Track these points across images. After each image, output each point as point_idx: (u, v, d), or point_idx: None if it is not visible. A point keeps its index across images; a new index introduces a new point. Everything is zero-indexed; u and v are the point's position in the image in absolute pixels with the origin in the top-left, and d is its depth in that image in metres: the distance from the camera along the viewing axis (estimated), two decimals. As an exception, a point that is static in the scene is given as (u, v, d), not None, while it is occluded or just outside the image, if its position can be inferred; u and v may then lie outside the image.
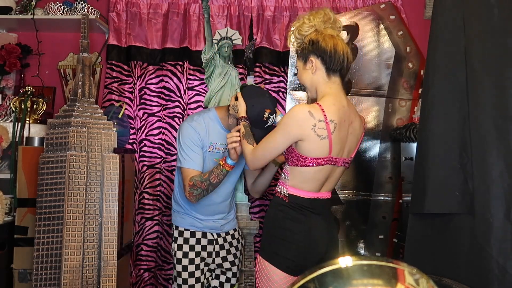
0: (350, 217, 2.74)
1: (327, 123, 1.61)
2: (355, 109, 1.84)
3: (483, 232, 1.39)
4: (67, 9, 2.96)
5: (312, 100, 1.82)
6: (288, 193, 1.74)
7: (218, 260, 2.22)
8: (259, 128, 1.95)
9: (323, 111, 1.62)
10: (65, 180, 2.04)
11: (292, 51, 2.73)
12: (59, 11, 2.95)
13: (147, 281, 2.98)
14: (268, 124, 1.96)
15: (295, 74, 2.05)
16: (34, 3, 2.97)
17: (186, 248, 2.14)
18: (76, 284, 2.00)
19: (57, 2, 2.97)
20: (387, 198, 2.73)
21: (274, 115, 1.96)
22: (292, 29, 1.79)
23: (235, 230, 2.33)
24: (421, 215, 1.63)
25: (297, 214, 1.73)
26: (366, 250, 2.74)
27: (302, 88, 2.73)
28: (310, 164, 1.67)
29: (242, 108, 1.92)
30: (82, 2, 2.93)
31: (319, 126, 1.61)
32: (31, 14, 2.93)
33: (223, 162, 1.97)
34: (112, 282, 2.06)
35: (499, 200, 1.36)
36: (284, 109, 2.99)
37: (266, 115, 1.93)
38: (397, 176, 2.69)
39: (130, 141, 2.98)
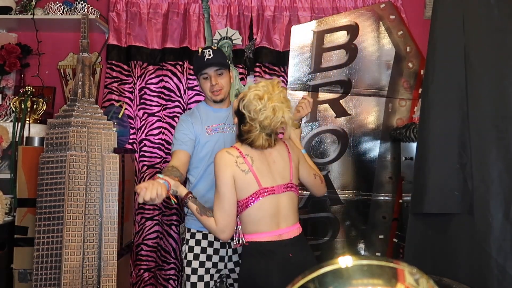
0: (350, 217, 2.74)
1: (244, 157, 1.72)
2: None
3: (482, 232, 1.39)
4: (67, 9, 2.96)
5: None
6: (247, 241, 1.72)
7: (231, 265, 2.10)
8: (202, 66, 2.07)
9: (237, 149, 1.74)
10: (65, 180, 2.04)
11: (293, 52, 2.74)
12: (59, 11, 2.95)
13: (147, 281, 2.98)
14: (207, 57, 2.07)
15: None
16: (34, 3, 2.97)
17: (197, 250, 2.07)
18: (76, 284, 2.00)
19: (57, 2, 2.97)
20: (387, 198, 2.73)
21: (210, 49, 2.09)
22: (249, 91, 1.71)
23: None
24: (421, 215, 1.63)
25: (262, 263, 1.68)
26: (366, 250, 2.75)
27: (302, 88, 2.74)
28: (250, 203, 1.69)
29: (184, 190, 1.76)
30: (82, 2, 2.93)
31: (239, 161, 1.71)
32: (31, 14, 2.93)
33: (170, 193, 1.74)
34: (112, 282, 2.06)
35: (498, 200, 1.36)
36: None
37: (199, 51, 2.10)
38: (397, 176, 2.70)
39: (130, 141, 2.98)
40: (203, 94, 2.98)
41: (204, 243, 2.08)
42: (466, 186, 1.47)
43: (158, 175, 1.71)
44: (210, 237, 2.08)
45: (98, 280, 2.04)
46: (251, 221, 1.71)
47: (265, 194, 1.70)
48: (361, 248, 2.75)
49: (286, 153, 1.81)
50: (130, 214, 2.68)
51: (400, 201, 2.63)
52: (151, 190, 1.57)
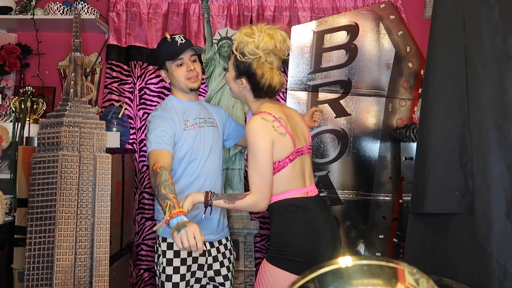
0: (350, 217, 2.74)
1: (279, 121, 1.69)
2: (286, 106, 1.96)
3: (483, 232, 1.39)
4: (67, 9, 2.96)
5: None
6: (279, 200, 1.71)
7: (210, 273, 1.98)
8: (177, 51, 1.94)
9: (270, 114, 1.70)
10: (57, 180, 2.01)
11: (293, 52, 2.74)
12: (59, 11, 2.94)
13: (147, 281, 2.98)
14: (180, 42, 1.96)
15: (225, 69, 2.07)
16: (34, 3, 2.97)
17: (177, 262, 1.89)
18: (68, 284, 1.98)
19: (57, 2, 2.96)
20: (387, 198, 2.73)
21: (180, 35, 1.99)
22: (238, 36, 1.70)
23: (227, 239, 2.08)
24: (421, 215, 1.63)
25: (296, 215, 1.70)
26: (366, 250, 2.75)
27: (302, 88, 2.73)
28: (285, 164, 1.70)
29: (200, 196, 1.68)
30: (82, 2, 2.93)
31: (275, 125, 1.68)
32: (31, 14, 2.93)
33: (168, 217, 1.53)
34: (105, 282, 2.03)
35: (499, 200, 1.36)
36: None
37: (168, 37, 1.97)
38: (397, 176, 2.69)
39: (130, 141, 2.98)
40: (203, 94, 2.99)
41: (183, 254, 1.90)
42: (466, 186, 1.47)
43: (170, 205, 1.54)
44: None
45: (90, 280, 2.02)
46: (284, 181, 1.70)
47: (298, 154, 1.73)
48: (361, 248, 2.75)
49: (301, 117, 1.89)
50: (130, 214, 2.68)
51: (400, 201, 2.63)
52: (199, 240, 1.47)
